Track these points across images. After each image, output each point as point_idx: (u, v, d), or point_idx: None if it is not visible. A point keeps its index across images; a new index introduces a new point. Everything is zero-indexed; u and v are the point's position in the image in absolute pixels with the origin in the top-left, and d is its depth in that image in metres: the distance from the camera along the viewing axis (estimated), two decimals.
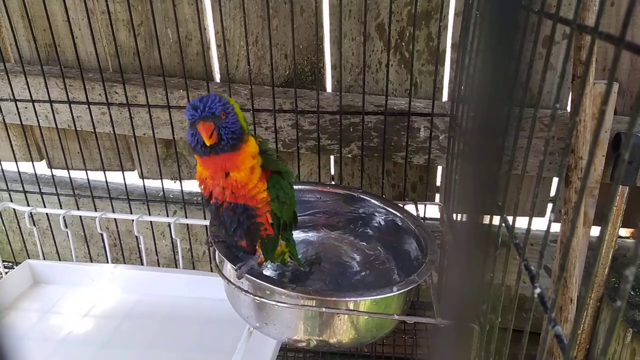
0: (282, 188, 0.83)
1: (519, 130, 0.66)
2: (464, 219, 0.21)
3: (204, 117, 0.75)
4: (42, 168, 1.54)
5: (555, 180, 1.26)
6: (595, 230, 1.15)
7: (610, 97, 1.10)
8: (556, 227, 1.19)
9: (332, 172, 1.40)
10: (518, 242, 0.67)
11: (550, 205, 1.31)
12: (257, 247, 0.84)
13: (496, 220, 0.72)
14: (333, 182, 1.39)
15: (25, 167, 1.48)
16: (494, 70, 0.20)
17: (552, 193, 1.30)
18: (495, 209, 0.72)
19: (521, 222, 1.16)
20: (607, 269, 1.16)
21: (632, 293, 1.16)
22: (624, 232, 1.34)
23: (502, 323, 0.71)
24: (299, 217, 1.08)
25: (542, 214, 1.31)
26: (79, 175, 1.50)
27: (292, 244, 0.94)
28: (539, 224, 1.33)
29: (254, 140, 0.81)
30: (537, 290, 0.57)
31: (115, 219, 1.47)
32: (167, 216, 1.37)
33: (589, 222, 1.11)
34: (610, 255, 1.15)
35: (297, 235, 1.08)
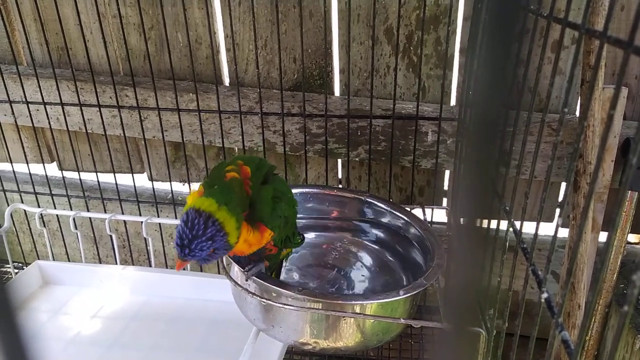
0: (281, 215, 0.77)
1: (527, 134, 0.66)
2: (463, 222, 0.21)
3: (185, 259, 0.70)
4: (52, 170, 1.56)
5: (563, 185, 1.26)
6: (603, 236, 1.14)
7: (619, 102, 1.09)
8: (564, 232, 1.19)
9: (340, 176, 1.40)
10: (526, 247, 0.67)
11: (558, 210, 1.31)
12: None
13: (503, 224, 0.72)
14: (340, 186, 1.40)
15: (36, 168, 1.50)
16: (492, 71, 0.20)
17: (561, 198, 1.29)
18: (496, 212, 0.72)
19: (529, 227, 1.16)
20: (615, 275, 1.15)
21: None
22: (633, 238, 1.33)
23: (509, 328, 0.71)
24: (306, 221, 1.08)
25: (550, 219, 1.30)
26: (89, 177, 1.51)
27: (294, 242, 0.90)
28: (547, 229, 1.32)
29: (244, 230, 0.72)
30: (545, 296, 0.57)
31: (124, 221, 1.48)
32: (176, 218, 1.38)
33: (598, 227, 1.11)
34: (619, 261, 1.14)
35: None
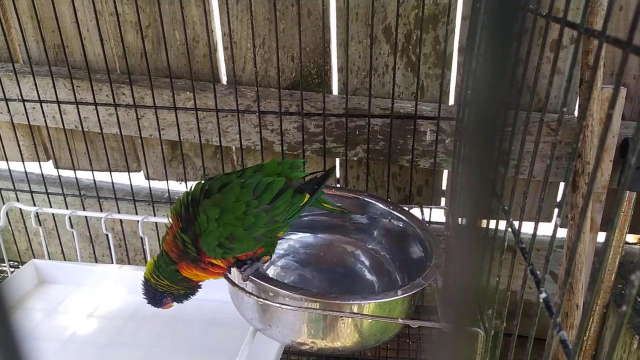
0: (218, 243, 0.79)
1: (525, 134, 0.66)
2: (462, 222, 0.21)
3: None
4: (48, 168, 1.55)
5: (562, 185, 1.26)
6: (602, 236, 1.14)
7: (618, 102, 1.09)
8: (563, 233, 1.19)
9: (338, 175, 1.40)
10: (524, 247, 0.67)
11: (556, 210, 1.31)
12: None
13: (502, 224, 0.72)
14: (338, 185, 1.39)
15: (32, 167, 1.49)
16: (491, 70, 0.20)
17: (559, 198, 1.29)
18: (495, 212, 0.72)
19: (527, 227, 1.16)
20: (613, 275, 1.15)
21: (639, 299, 1.15)
22: (632, 238, 1.33)
23: (507, 328, 0.71)
24: (304, 219, 1.08)
25: (548, 218, 1.30)
26: (85, 175, 1.51)
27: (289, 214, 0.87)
28: (546, 229, 1.32)
29: (188, 272, 0.85)
30: (543, 295, 0.56)
31: (120, 220, 1.47)
32: None
33: (596, 227, 1.10)
34: (617, 261, 1.14)
35: (301, 237, 1.08)
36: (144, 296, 0.88)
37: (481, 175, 0.20)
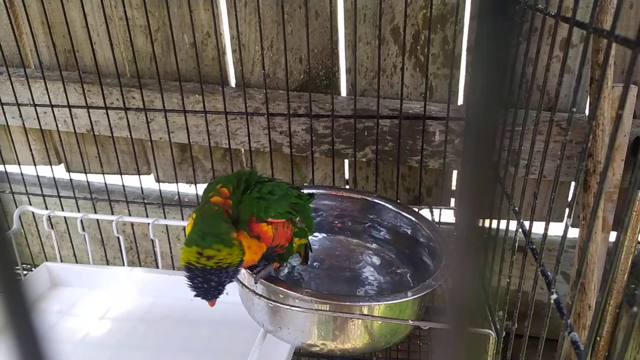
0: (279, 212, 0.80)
1: (535, 133, 0.65)
2: (463, 222, 0.21)
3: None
4: (60, 172, 1.56)
5: (573, 184, 1.25)
6: (614, 236, 1.13)
7: (628, 101, 1.08)
8: (574, 233, 1.18)
9: (347, 176, 1.40)
10: (535, 248, 0.66)
11: (567, 210, 1.30)
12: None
13: (512, 224, 0.71)
14: (347, 186, 1.39)
15: (44, 171, 1.51)
16: (489, 72, 0.20)
17: (570, 198, 1.28)
18: (505, 213, 0.71)
19: (538, 227, 1.15)
20: (626, 275, 1.13)
21: None
22: None
23: (519, 329, 0.70)
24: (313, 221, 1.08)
25: (559, 218, 1.29)
26: (96, 179, 1.52)
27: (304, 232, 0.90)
28: (557, 229, 1.31)
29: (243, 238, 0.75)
30: (554, 296, 0.56)
31: (131, 223, 1.48)
32: (183, 220, 1.38)
33: (608, 227, 1.09)
34: (630, 261, 1.12)
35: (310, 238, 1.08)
36: (201, 286, 0.75)
37: (481, 176, 0.20)
